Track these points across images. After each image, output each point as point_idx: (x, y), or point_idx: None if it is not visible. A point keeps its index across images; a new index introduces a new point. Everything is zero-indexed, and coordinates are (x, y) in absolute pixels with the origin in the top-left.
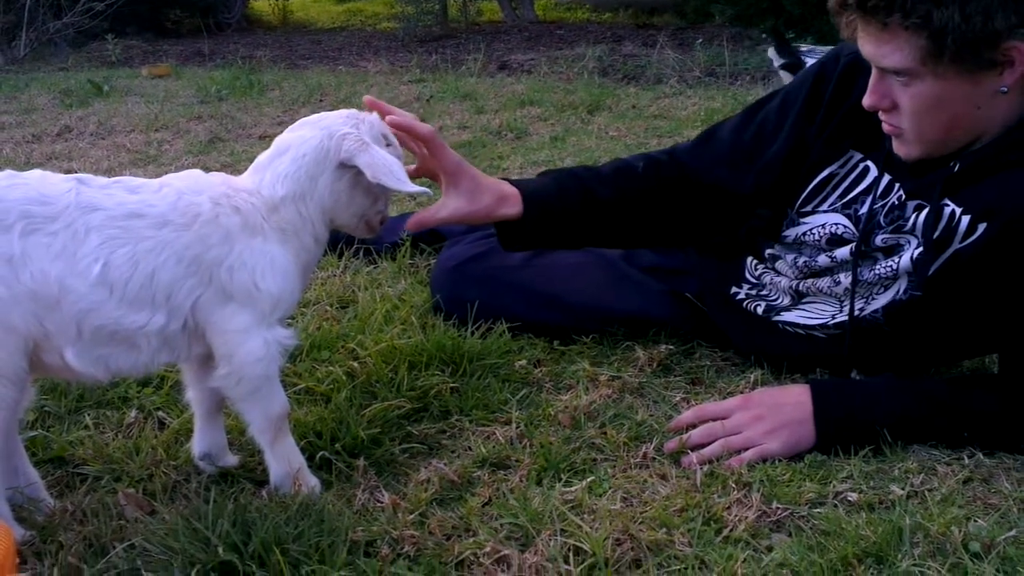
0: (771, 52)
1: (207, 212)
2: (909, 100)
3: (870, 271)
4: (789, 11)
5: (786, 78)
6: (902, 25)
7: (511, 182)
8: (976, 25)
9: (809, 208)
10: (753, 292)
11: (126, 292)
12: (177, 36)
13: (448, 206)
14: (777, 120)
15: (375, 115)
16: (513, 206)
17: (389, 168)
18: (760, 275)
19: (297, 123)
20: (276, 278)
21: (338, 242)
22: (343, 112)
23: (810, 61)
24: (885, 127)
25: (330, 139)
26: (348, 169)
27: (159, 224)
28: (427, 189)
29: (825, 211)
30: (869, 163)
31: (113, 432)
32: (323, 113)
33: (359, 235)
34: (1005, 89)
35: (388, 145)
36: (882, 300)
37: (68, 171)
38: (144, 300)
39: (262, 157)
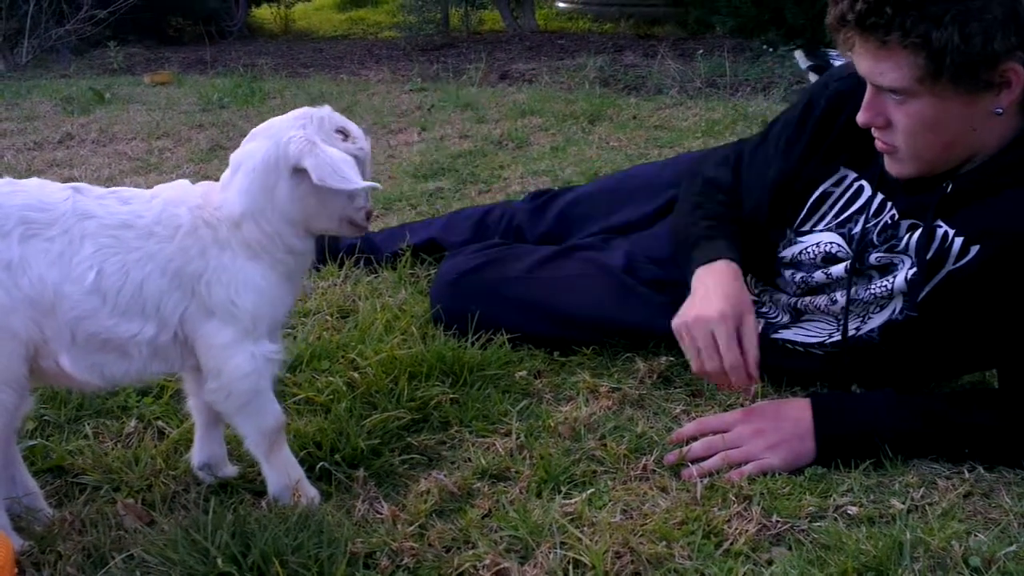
0: (798, 54)
1: (187, 224)
2: (904, 118)
3: (865, 290)
4: (791, 22)
5: (814, 79)
6: (901, 43)
7: (727, 258)
8: (975, 46)
9: (807, 228)
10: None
11: (118, 301)
12: (179, 44)
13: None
14: (776, 142)
15: (327, 108)
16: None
17: (333, 167)
18: (760, 292)
19: (250, 134)
20: (249, 295)
21: (339, 251)
22: (294, 113)
23: (837, 63)
24: (878, 144)
25: (277, 147)
26: (306, 172)
27: (146, 235)
28: (376, 184)
29: (821, 230)
30: (863, 182)
31: (112, 442)
32: (272, 120)
33: (346, 235)
34: (1000, 110)
35: (346, 139)
36: (878, 320)
37: (69, 178)
38: (135, 310)
39: (225, 175)
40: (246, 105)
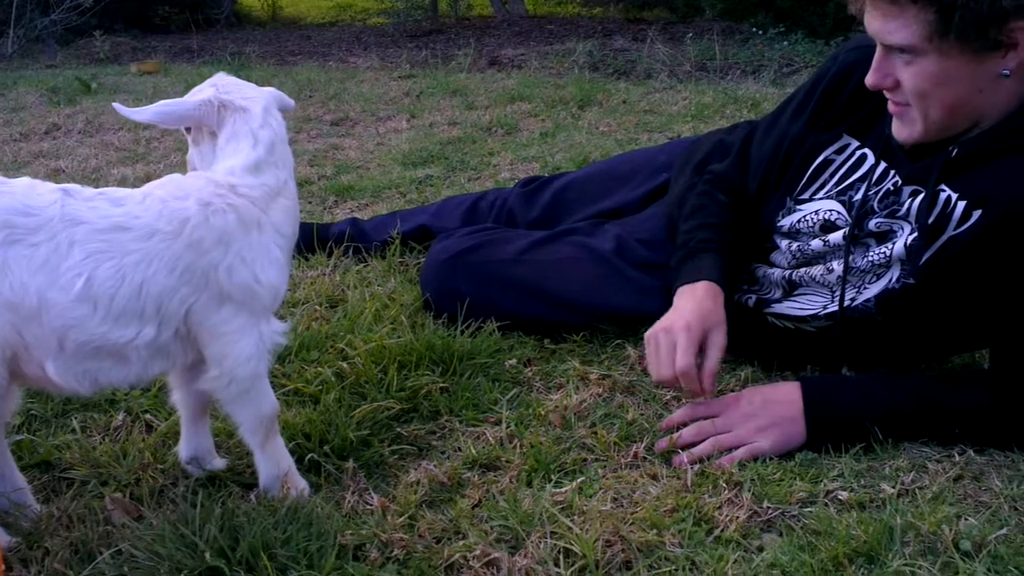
0: None
1: (196, 216)
2: (911, 78)
3: (863, 258)
4: (779, 5)
5: None
6: None
7: (709, 280)
8: (984, 3)
9: (806, 196)
10: (744, 286)
11: (112, 307)
12: (166, 32)
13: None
14: (785, 114)
15: (218, 75)
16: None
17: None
18: (753, 269)
19: (237, 135)
20: (274, 269)
21: (327, 241)
22: (227, 83)
23: None
24: (890, 106)
25: (273, 103)
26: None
27: (146, 235)
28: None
29: (820, 198)
30: (867, 150)
31: (100, 436)
32: (248, 94)
33: None
34: (1007, 73)
35: None
36: (874, 289)
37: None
38: (132, 314)
39: (254, 155)
40: None
